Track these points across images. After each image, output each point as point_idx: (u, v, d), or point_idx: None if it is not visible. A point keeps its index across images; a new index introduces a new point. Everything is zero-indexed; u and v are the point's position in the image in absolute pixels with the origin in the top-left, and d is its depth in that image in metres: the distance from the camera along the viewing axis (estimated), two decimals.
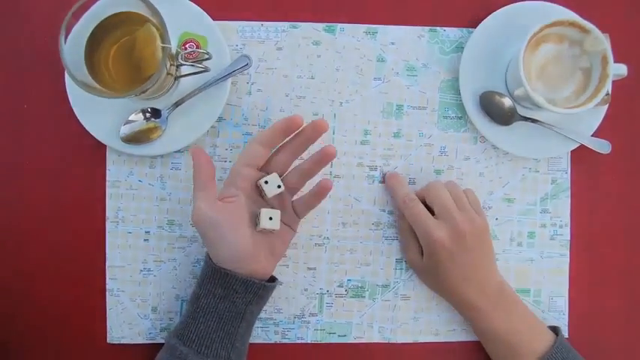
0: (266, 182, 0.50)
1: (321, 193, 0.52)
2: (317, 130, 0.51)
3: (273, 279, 0.54)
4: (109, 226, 0.58)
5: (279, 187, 0.51)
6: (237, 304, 0.50)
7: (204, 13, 0.56)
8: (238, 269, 0.50)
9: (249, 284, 0.50)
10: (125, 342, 0.58)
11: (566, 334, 0.59)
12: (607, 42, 0.52)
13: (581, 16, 0.54)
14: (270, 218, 0.50)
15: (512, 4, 0.57)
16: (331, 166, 0.58)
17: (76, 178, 0.58)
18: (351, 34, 0.59)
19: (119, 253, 0.58)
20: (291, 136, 0.52)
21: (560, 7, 0.57)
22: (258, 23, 0.58)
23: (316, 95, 0.59)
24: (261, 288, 0.51)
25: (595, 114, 0.58)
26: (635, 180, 0.60)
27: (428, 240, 0.52)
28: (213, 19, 0.56)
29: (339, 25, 0.59)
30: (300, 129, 0.51)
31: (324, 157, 0.51)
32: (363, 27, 0.59)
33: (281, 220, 0.52)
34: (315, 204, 0.54)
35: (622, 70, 0.54)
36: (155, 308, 0.58)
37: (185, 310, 0.53)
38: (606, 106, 0.57)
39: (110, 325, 0.58)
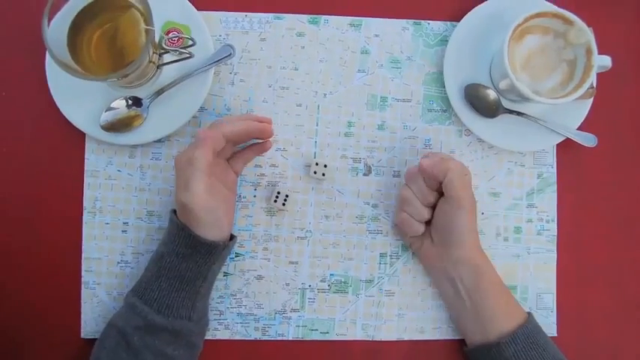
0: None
1: (260, 149, 0.56)
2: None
3: (230, 237, 0.54)
4: (86, 216, 0.56)
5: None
6: (199, 265, 0.50)
7: (188, 2, 0.56)
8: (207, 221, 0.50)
9: (212, 246, 0.50)
10: None
11: (554, 332, 0.57)
12: (591, 34, 0.52)
13: (566, 9, 0.54)
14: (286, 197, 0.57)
15: None
16: (314, 157, 0.58)
17: (54, 167, 0.57)
18: (335, 26, 0.58)
19: (96, 245, 0.56)
20: None
21: (544, 1, 0.57)
22: (242, 14, 0.58)
23: (300, 87, 0.58)
24: (224, 248, 0.51)
25: (580, 107, 0.57)
26: (622, 173, 0.59)
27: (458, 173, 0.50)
28: (197, 9, 0.56)
29: (324, 17, 0.58)
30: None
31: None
32: (348, 19, 0.59)
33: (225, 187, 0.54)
34: (251, 158, 0.57)
35: (606, 61, 0.53)
36: None
37: (146, 269, 0.52)
38: (591, 100, 0.57)
39: (85, 320, 0.56)
